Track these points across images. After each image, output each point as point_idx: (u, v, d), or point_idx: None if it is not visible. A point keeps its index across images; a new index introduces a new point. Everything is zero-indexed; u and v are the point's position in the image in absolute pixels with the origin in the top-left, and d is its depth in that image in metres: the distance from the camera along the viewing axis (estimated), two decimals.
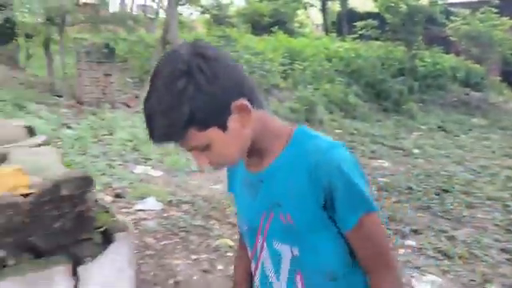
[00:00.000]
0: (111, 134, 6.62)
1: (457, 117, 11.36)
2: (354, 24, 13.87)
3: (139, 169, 5.57)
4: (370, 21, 12.68)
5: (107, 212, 2.16)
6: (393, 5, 11.80)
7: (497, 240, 3.80)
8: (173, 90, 0.86)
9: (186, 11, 22.70)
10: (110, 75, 8.93)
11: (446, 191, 5.12)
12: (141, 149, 6.21)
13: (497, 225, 4.18)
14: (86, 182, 2.00)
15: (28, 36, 11.22)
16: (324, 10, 20.87)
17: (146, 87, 0.93)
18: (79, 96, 8.82)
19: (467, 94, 13.49)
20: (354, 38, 13.17)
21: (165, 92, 0.87)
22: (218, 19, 18.79)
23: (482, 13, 12.88)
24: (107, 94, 8.90)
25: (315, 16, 24.56)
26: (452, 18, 13.32)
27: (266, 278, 1.06)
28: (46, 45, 9.88)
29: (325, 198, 0.93)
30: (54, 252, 1.91)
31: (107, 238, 2.05)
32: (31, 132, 2.92)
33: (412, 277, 3.10)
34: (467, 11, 13.37)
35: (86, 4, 13.25)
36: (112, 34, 10.43)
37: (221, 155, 0.94)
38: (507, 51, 13.13)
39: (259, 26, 17.11)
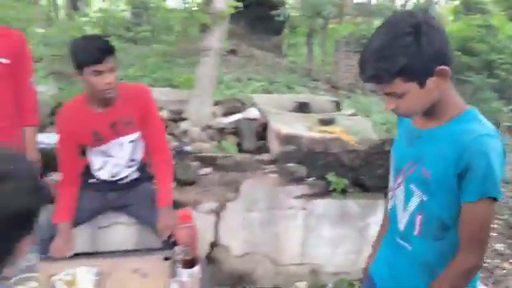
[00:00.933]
0: (367, 116, 7.37)
1: None
2: None
3: None
4: None
5: None
6: None
7: None
8: (398, 43, 1.03)
9: None
10: None
11: None
12: (393, 131, 6.74)
13: None
14: None
15: (291, 28, 13.05)
16: None
17: None
18: (335, 81, 9.93)
19: None
20: None
21: (391, 42, 1.04)
22: (469, 6, 17.40)
23: None
24: (358, 80, 9.72)
25: None
26: None
27: (395, 206, 1.30)
28: (309, 35, 11.36)
29: (462, 171, 1.08)
30: (374, 190, 2.64)
31: None
32: (337, 106, 3.80)
33: None
34: None
35: None
36: (366, 25, 11.18)
37: (409, 106, 1.12)
38: None
39: None
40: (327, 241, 2.57)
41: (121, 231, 2.27)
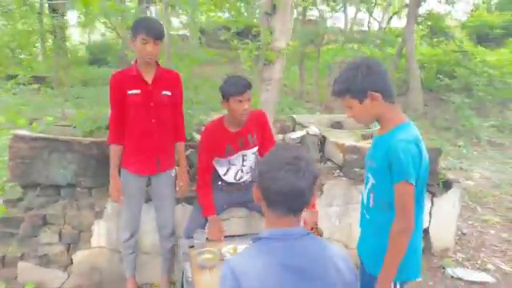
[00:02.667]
0: None
1: None
2: None
3: None
4: None
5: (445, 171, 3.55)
6: None
7: None
8: (346, 74, 1.71)
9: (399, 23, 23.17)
10: None
11: None
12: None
13: None
14: (438, 152, 3.43)
15: None
16: None
17: None
18: (329, 102, 10.81)
19: None
20: None
21: (344, 74, 1.72)
22: (434, 30, 18.90)
23: None
24: None
25: None
26: None
27: (363, 189, 1.89)
28: (301, 61, 12.25)
29: (388, 163, 1.63)
30: None
31: (446, 186, 3.43)
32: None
33: None
34: None
35: (309, 20, 15.42)
36: (353, 51, 12.20)
37: (357, 115, 1.75)
38: None
39: (486, 38, 16.63)
40: None
41: (234, 222, 2.92)
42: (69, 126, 3.24)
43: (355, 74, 1.69)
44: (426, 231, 3.41)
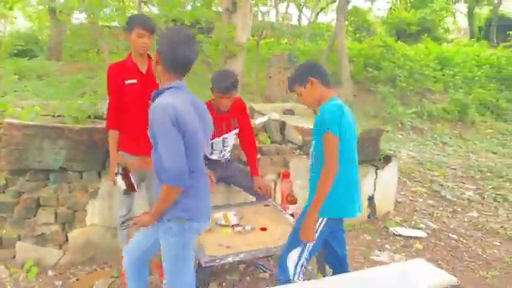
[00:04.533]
0: None
1: None
2: (510, 32, 14.19)
3: None
4: None
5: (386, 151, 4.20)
6: None
7: None
8: (294, 71, 2.32)
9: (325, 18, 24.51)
10: None
11: None
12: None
13: None
14: (380, 132, 4.06)
15: None
16: (470, 15, 20.96)
17: None
18: (268, 94, 11.38)
19: None
20: (508, 46, 13.36)
21: (293, 72, 2.33)
22: (358, 25, 20.37)
23: None
24: (288, 93, 11.31)
25: (458, 21, 24.42)
26: None
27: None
28: None
29: (320, 122, 2.13)
30: (363, 163, 3.99)
31: (386, 160, 4.09)
32: (314, 111, 5.13)
33: None
34: None
35: None
36: (289, 45, 12.92)
37: (306, 100, 2.29)
38: None
39: (404, 33, 18.26)
40: None
41: (215, 196, 3.32)
42: (48, 115, 3.41)
43: (299, 69, 2.33)
44: (372, 198, 4.05)
